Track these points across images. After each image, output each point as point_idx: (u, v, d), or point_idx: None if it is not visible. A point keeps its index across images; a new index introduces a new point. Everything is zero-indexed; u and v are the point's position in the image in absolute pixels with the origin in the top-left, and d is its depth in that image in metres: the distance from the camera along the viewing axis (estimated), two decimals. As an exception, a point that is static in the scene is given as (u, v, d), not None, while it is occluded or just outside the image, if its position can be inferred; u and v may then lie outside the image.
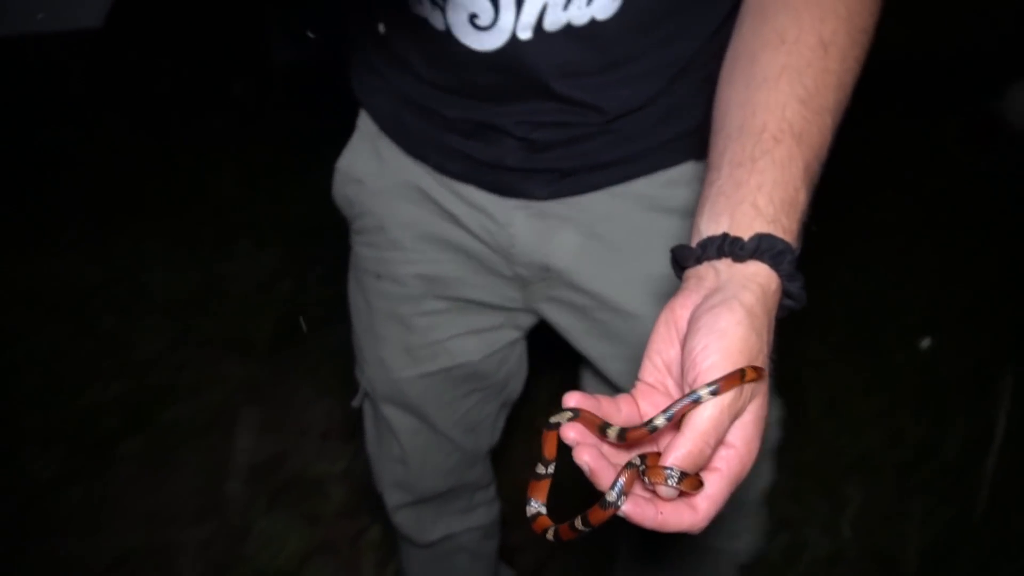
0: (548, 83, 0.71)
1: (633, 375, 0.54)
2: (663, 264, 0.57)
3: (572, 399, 0.50)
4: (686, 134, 0.77)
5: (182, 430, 1.96)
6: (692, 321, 0.49)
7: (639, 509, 0.45)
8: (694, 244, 0.53)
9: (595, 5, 0.67)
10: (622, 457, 0.49)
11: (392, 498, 1.13)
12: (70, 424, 1.96)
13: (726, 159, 0.55)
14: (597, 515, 0.47)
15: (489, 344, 0.96)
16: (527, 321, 0.97)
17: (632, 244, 0.82)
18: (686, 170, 0.80)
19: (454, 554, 1.24)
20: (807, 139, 0.54)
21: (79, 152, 3.29)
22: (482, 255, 0.87)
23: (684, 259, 0.54)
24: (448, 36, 0.71)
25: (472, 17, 0.68)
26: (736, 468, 0.47)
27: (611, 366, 0.89)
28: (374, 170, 0.89)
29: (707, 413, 0.45)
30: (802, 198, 0.53)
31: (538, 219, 0.81)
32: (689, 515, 0.46)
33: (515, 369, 1.04)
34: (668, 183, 0.80)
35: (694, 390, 0.45)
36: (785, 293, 0.51)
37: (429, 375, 0.96)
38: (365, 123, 0.90)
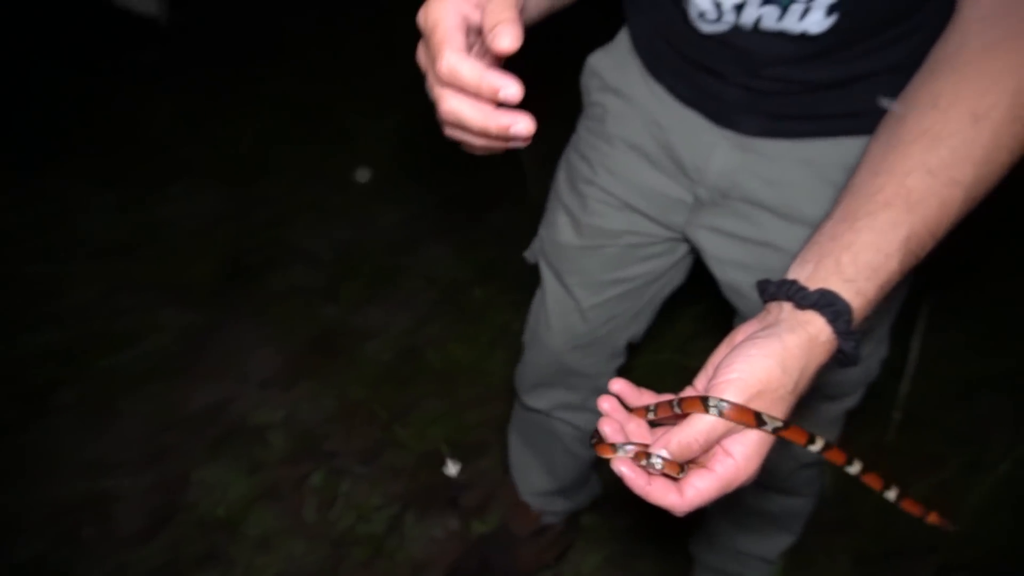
0: (761, 66, 0.79)
1: None
2: None
3: (616, 384, 0.63)
4: None
5: (119, 379, 1.92)
6: (739, 343, 0.56)
7: (633, 473, 0.55)
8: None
9: (807, 21, 0.72)
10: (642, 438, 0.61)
11: (526, 352, 1.30)
12: (1, 374, 1.90)
13: (837, 210, 0.59)
14: (603, 450, 0.59)
15: (642, 252, 1.07)
16: (677, 253, 1.09)
17: (816, 196, 0.86)
18: None
19: (552, 440, 1.38)
20: (922, 209, 0.55)
21: (-1, 88, 3.11)
22: (671, 174, 0.96)
23: (760, 292, 0.60)
24: (684, 15, 0.81)
25: (700, 14, 0.78)
26: (730, 475, 0.55)
27: (752, 296, 0.96)
28: (616, 74, 0.99)
29: (706, 419, 0.54)
30: (893, 265, 0.56)
31: (740, 150, 0.88)
32: (675, 496, 0.55)
33: (656, 292, 1.15)
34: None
35: (708, 396, 0.54)
36: (839, 350, 0.56)
37: (588, 248, 1.08)
38: (623, 36, 0.99)
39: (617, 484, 1.70)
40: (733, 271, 0.97)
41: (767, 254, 0.92)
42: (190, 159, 2.75)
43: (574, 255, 1.10)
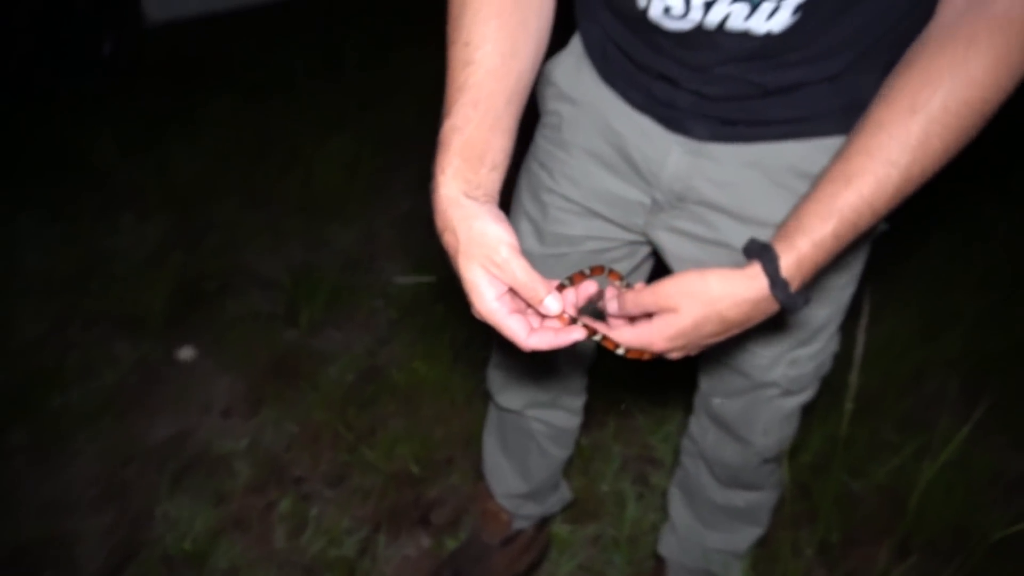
0: (714, 66, 0.81)
1: None
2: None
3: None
4: (851, 108, 0.80)
5: (73, 415, 1.87)
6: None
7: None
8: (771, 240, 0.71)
9: (772, 22, 0.74)
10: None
11: (495, 355, 1.33)
12: (-52, 418, 1.84)
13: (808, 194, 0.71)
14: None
15: (604, 257, 1.10)
16: (638, 256, 1.11)
17: (765, 197, 0.90)
18: (840, 142, 0.82)
19: (526, 440, 1.40)
20: (858, 183, 0.67)
21: (-69, 121, 3.01)
22: (628, 178, 0.98)
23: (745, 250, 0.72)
24: (644, 12, 0.80)
25: (666, 9, 0.78)
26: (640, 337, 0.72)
27: None
28: (570, 81, 1.00)
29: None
30: (827, 228, 0.69)
31: (692, 155, 0.91)
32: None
33: None
34: (820, 149, 0.85)
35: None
36: (776, 297, 0.71)
37: (550, 256, 1.10)
38: (576, 42, 1.00)
39: (586, 491, 1.71)
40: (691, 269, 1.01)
41: (722, 254, 0.95)
42: (136, 187, 2.70)
43: (537, 262, 1.11)
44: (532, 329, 0.73)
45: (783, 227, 0.70)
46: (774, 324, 1.00)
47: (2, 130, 2.94)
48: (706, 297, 0.71)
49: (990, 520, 1.61)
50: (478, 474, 1.74)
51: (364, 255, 2.43)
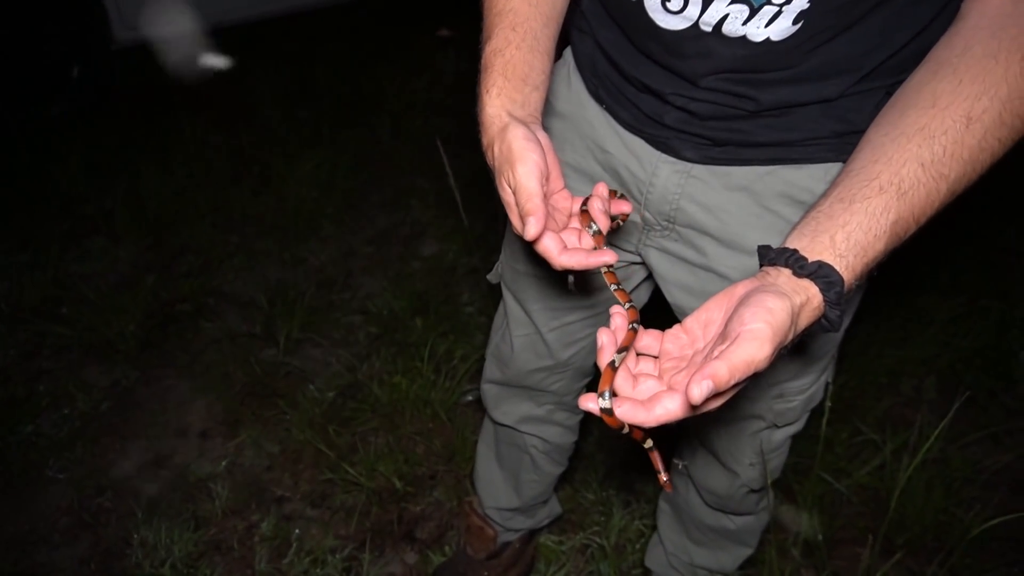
0: (709, 75, 0.78)
1: None
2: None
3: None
4: (843, 135, 0.79)
5: (44, 444, 1.82)
6: (746, 296, 0.59)
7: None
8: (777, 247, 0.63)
9: (772, 28, 0.72)
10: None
11: (488, 369, 1.32)
12: (-87, 452, 1.78)
13: (835, 191, 0.63)
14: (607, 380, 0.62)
15: (599, 279, 1.06)
16: (634, 280, 1.09)
17: (753, 223, 0.88)
18: (832, 169, 0.82)
19: (519, 452, 1.39)
20: (911, 198, 0.61)
21: None
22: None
23: (761, 256, 0.65)
24: (639, 6, 0.78)
25: (664, 0, 0.76)
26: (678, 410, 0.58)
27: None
28: (561, 95, 0.98)
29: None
30: (879, 246, 0.61)
31: (681, 176, 0.89)
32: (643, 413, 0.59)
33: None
34: (812, 177, 0.83)
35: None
36: (824, 316, 0.61)
37: (544, 277, 1.08)
38: (568, 55, 0.99)
39: (571, 501, 1.69)
40: (679, 293, 0.98)
41: (710, 280, 0.93)
42: (106, 212, 2.66)
43: (533, 283, 1.10)
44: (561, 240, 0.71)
45: (829, 238, 0.61)
46: None
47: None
48: (777, 325, 0.58)
49: (970, 516, 1.63)
50: (462, 489, 1.72)
51: (341, 272, 2.42)
